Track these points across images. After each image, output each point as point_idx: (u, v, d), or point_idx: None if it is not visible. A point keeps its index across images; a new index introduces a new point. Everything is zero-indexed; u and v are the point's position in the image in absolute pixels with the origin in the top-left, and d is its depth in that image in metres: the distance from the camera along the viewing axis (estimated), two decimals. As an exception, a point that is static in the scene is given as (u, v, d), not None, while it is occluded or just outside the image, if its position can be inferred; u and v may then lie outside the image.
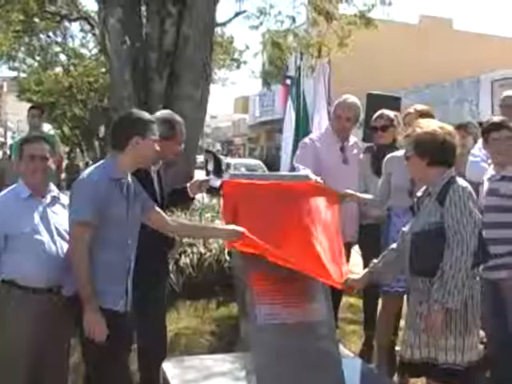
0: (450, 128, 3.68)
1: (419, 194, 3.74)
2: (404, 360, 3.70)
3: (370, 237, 5.44)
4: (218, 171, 4.90)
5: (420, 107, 5.20)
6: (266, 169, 27.86)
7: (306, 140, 6.01)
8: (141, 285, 3.84)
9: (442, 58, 35.47)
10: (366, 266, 5.77)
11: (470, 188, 3.55)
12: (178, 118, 4.54)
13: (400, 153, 5.08)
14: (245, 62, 17.24)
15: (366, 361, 5.06)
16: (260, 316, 3.83)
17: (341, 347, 4.34)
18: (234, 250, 4.12)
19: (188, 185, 4.59)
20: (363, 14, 14.27)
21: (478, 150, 5.12)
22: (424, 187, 3.72)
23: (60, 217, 3.88)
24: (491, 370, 3.92)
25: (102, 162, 3.75)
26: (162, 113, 4.56)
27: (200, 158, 12.18)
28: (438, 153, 3.55)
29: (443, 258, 3.41)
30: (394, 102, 8.54)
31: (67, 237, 3.70)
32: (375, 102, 8.65)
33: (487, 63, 29.89)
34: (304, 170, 5.02)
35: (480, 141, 5.26)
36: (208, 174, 5.21)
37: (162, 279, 4.59)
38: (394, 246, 3.87)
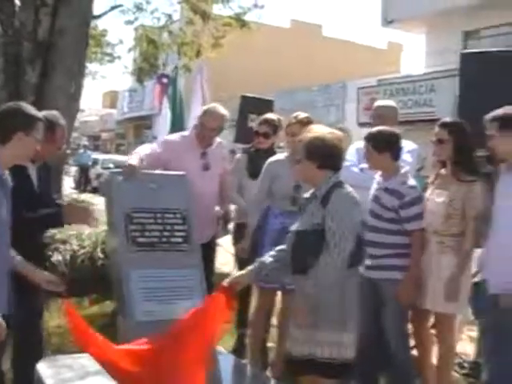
0: (338, 133, 3.85)
1: (306, 195, 3.86)
2: (288, 356, 3.82)
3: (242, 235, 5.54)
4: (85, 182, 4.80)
5: (301, 116, 5.25)
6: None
7: (164, 140, 5.78)
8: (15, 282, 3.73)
9: (311, 63, 36.44)
10: (240, 263, 5.93)
11: (353, 193, 3.71)
12: (61, 121, 4.42)
13: (281, 156, 5.23)
14: (119, 57, 17.01)
15: (239, 357, 5.17)
16: (137, 313, 3.84)
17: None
18: (110, 248, 4.11)
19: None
20: (239, 15, 14.45)
21: (350, 155, 5.32)
22: (311, 190, 3.83)
23: None
24: (361, 365, 4.10)
25: None
26: (47, 113, 4.36)
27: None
28: (326, 157, 3.70)
29: (320, 257, 3.56)
30: (266, 105, 8.75)
31: None
32: (249, 104, 8.84)
33: (354, 70, 31.00)
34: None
35: (352, 146, 5.51)
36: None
37: None
38: (283, 246, 3.94)
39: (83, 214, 4.48)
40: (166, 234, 4.17)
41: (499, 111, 4.06)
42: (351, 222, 3.60)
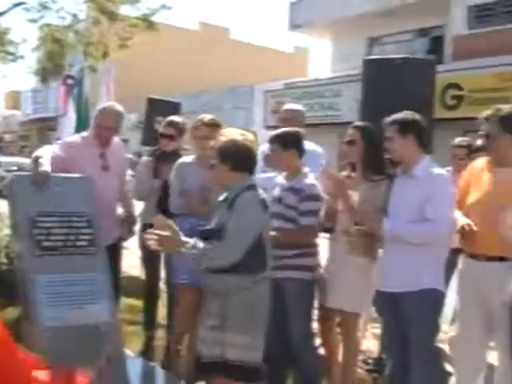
0: (250, 136, 3.90)
1: (220, 198, 3.87)
2: (198, 358, 3.82)
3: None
4: None
5: (206, 118, 5.21)
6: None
7: (63, 142, 5.68)
8: None
9: (219, 65, 36.55)
10: (147, 265, 5.92)
11: (262, 197, 3.74)
12: None
13: (189, 158, 5.24)
14: (22, 57, 16.53)
15: (147, 360, 5.16)
16: (44, 318, 3.79)
17: (124, 348, 4.39)
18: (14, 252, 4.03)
19: None
20: (146, 17, 14.35)
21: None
22: (225, 193, 3.85)
23: None
24: (268, 365, 4.14)
25: None
26: None
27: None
28: (239, 159, 3.75)
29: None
30: (174, 107, 8.75)
31: None
32: (155, 106, 8.81)
33: (261, 73, 31.32)
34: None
35: (260, 148, 5.58)
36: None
37: None
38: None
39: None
40: (71, 237, 4.12)
41: (398, 115, 4.24)
42: (251, 224, 3.62)
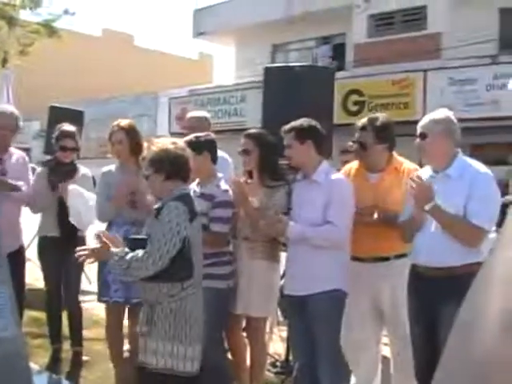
0: (181, 143, 3.91)
1: (155, 206, 3.82)
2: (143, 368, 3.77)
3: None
4: None
5: (123, 123, 5.21)
6: None
7: None
8: None
9: (123, 73, 36.15)
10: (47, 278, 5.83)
11: (187, 206, 3.69)
12: None
13: (112, 167, 5.20)
14: None
15: (54, 373, 5.08)
16: None
17: (29, 362, 4.31)
18: None
19: None
20: (48, 23, 14.02)
21: None
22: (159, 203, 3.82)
23: None
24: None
25: None
26: None
27: None
28: (171, 167, 3.74)
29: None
30: (77, 115, 8.64)
31: None
32: (58, 114, 8.65)
33: (166, 80, 31.19)
34: None
35: None
36: None
37: None
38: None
39: None
40: (-29, 250, 4.01)
41: (296, 122, 4.37)
42: (173, 233, 3.60)
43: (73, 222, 5.48)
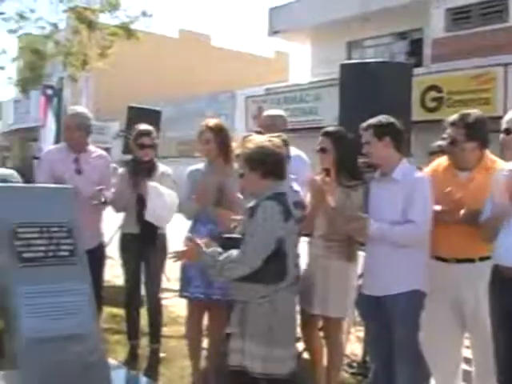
0: (277, 140, 3.84)
1: (250, 204, 3.78)
2: (225, 366, 3.78)
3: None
4: None
5: (211, 122, 5.19)
6: (20, 179, 26.74)
7: (45, 151, 6.16)
8: None
9: (200, 72, 36.55)
10: (127, 275, 5.91)
11: (283, 206, 3.65)
12: None
13: (200, 165, 5.24)
14: (2, 68, 16.34)
15: (131, 369, 5.15)
16: (25, 330, 3.77)
17: (108, 357, 4.39)
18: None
19: None
20: (126, 25, 14.25)
21: None
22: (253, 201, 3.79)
23: None
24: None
25: None
26: None
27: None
28: (267, 165, 3.68)
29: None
30: (154, 115, 8.77)
31: None
32: (136, 114, 8.80)
33: (242, 79, 31.36)
34: None
35: None
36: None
37: None
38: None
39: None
40: (52, 248, 4.09)
41: (374, 119, 4.30)
42: (268, 234, 3.56)
43: (149, 220, 5.55)
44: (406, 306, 4.15)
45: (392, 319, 4.20)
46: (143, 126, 5.88)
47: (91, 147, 5.81)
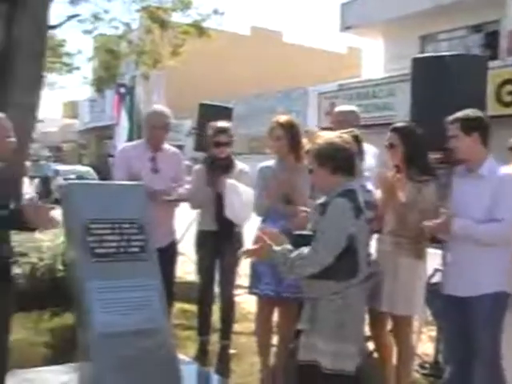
0: (346, 137, 3.80)
1: (320, 201, 3.77)
2: (296, 362, 3.76)
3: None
4: (46, 194, 4.66)
5: (282, 119, 5.14)
6: (96, 176, 27.37)
7: (121, 148, 6.20)
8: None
9: (272, 69, 36.62)
10: (200, 272, 5.96)
11: (354, 203, 3.60)
12: None
13: (270, 162, 5.24)
14: (78, 68, 16.77)
15: (201, 365, 5.19)
16: (97, 325, 3.84)
17: (178, 353, 4.43)
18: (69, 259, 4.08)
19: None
20: (198, 23, 14.37)
21: None
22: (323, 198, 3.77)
23: None
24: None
25: None
26: None
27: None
28: (338, 161, 3.65)
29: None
30: (225, 112, 8.77)
31: None
32: (207, 111, 8.84)
33: (315, 75, 31.26)
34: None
35: None
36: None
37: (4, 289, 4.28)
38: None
39: (47, 215, 4.09)
40: (123, 244, 4.16)
41: (461, 113, 4.16)
42: (339, 231, 3.54)
43: (229, 217, 5.58)
44: (491, 307, 4.04)
45: (474, 321, 4.09)
46: (220, 124, 5.87)
47: (165, 145, 5.85)
